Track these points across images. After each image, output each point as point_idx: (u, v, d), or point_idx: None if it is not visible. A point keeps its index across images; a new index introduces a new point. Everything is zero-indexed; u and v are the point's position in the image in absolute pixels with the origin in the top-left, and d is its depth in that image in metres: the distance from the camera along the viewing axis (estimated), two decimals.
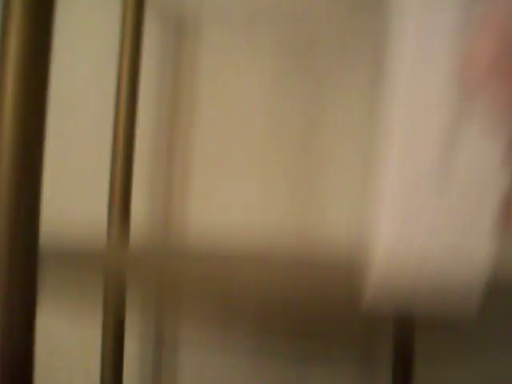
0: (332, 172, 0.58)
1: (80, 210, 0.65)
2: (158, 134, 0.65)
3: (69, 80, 0.66)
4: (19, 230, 0.24)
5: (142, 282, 0.35)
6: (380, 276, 0.20)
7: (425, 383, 0.52)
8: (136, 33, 0.57)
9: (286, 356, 0.58)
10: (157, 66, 0.65)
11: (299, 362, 0.58)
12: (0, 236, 0.24)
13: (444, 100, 0.20)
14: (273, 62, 0.63)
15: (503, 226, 0.20)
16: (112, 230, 0.55)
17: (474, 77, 0.19)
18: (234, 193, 0.63)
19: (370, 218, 0.21)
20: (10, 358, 0.24)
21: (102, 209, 0.57)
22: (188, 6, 0.63)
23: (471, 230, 0.20)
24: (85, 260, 0.36)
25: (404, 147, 0.20)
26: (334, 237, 0.56)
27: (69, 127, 0.66)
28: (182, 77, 0.64)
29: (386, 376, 0.54)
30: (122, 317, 0.55)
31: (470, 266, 0.20)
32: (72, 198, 0.65)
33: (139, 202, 0.63)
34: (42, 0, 0.24)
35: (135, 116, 0.57)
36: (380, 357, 0.54)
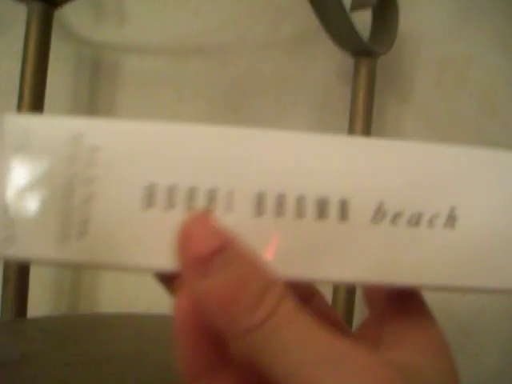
0: None
1: None
2: None
3: None
4: None
5: None
6: None
7: None
8: (41, 59, 0.50)
9: None
10: (68, 100, 0.59)
11: None
12: None
13: None
14: (200, 101, 0.58)
15: None
16: None
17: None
18: None
19: None
20: None
21: None
22: (106, 36, 0.59)
23: None
24: None
25: None
26: None
27: None
28: (98, 109, 0.59)
29: None
30: None
31: None
32: None
33: None
34: None
35: None
36: None
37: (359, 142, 0.18)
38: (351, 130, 0.53)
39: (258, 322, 0.15)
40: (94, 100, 0.59)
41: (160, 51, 0.59)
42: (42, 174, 0.17)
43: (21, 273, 0.50)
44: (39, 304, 0.55)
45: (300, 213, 0.17)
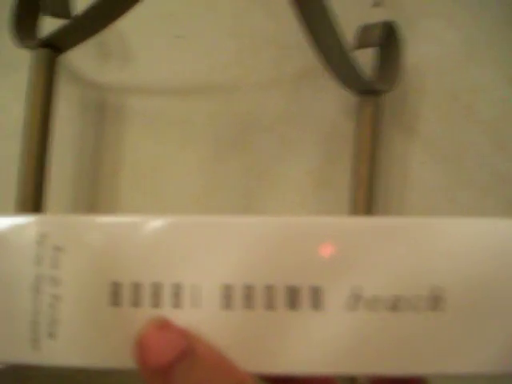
0: None
1: None
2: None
3: None
4: None
5: None
6: None
7: None
8: (46, 104, 0.51)
9: None
10: (74, 142, 0.59)
11: None
12: None
13: None
14: (205, 144, 0.58)
15: None
16: None
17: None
18: None
19: None
20: None
21: None
22: (111, 77, 0.60)
23: None
24: None
25: None
26: None
27: None
28: (104, 152, 0.59)
29: None
30: None
31: None
32: None
33: None
34: None
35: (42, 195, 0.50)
36: None
37: (331, 223, 0.17)
38: (356, 168, 0.53)
39: None
40: (99, 142, 0.59)
41: (165, 92, 0.60)
42: (9, 275, 0.16)
43: None
44: None
45: (270, 304, 0.16)
